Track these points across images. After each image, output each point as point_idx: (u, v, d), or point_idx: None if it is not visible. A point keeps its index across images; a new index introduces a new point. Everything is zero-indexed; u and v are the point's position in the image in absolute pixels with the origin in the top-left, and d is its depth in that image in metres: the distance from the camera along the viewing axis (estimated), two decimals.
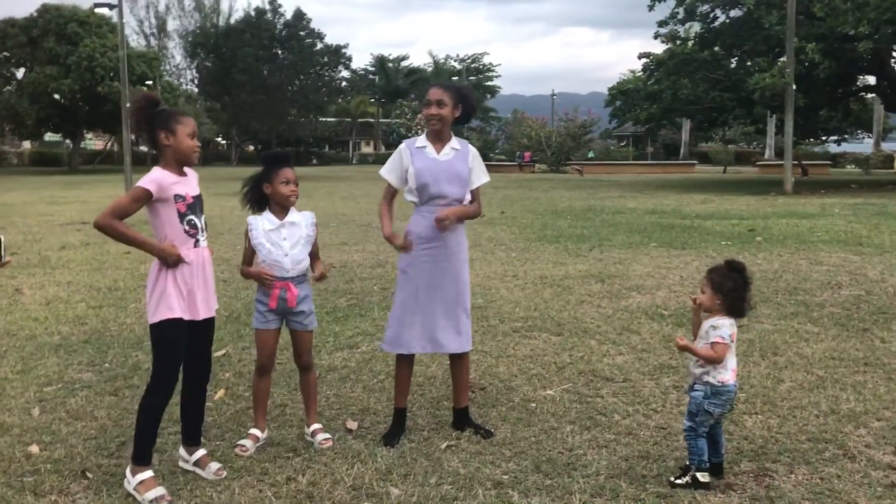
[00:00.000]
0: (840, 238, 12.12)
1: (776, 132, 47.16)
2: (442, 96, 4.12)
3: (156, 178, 3.44)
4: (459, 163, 4.19)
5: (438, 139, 4.21)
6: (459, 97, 4.18)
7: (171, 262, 3.47)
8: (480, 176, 4.29)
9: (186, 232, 3.51)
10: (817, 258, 10.06)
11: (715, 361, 3.50)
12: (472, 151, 4.28)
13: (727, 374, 3.53)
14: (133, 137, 27.37)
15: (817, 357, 5.55)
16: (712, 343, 3.50)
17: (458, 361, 4.32)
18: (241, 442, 4.04)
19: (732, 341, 3.53)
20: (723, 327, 3.51)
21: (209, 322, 3.67)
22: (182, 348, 3.55)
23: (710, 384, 3.53)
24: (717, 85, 28.54)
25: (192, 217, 3.53)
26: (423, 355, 5.54)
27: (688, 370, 3.69)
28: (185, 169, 3.62)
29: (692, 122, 45.52)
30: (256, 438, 4.08)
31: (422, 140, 4.23)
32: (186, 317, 3.49)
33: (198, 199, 3.60)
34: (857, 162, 48.75)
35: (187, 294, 3.50)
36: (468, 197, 4.23)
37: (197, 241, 3.56)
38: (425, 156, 4.17)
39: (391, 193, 4.29)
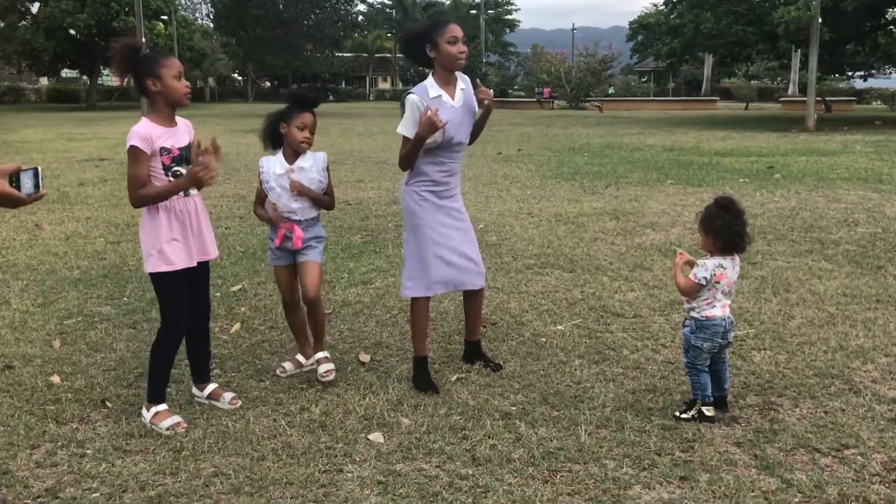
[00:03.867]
0: (860, 175, 11.98)
1: (800, 67, 46.16)
2: (462, 33, 3.92)
3: (139, 132, 3.37)
4: (470, 100, 4.06)
5: (448, 81, 3.97)
6: None
7: (204, 179, 3.39)
8: None
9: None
10: (835, 196, 9.97)
11: (681, 292, 3.64)
12: (467, 79, 4.12)
13: (713, 309, 3.55)
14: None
15: (829, 294, 5.56)
16: (686, 277, 3.58)
17: (474, 296, 4.32)
18: (283, 364, 4.24)
19: (717, 282, 3.52)
20: (703, 267, 3.53)
21: (205, 266, 3.70)
22: (183, 293, 3.58)
23: (696, 319, 3.57)
24: (740, 19, 27.82)
25: (177, 168, 3.47)
26: None
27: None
28: (178, 119, 3.56)
29: (714, 58, 44.52)
30: (299, 364, 4.24)
31: (434, 88, 3.94)
32: (181, 265, 3.51)
33: (185, 149, 3.52)
34: (883, 98, 47.70)
35: (182, 242, 3.51)
36: None
37: (186, 191, 3.53)
38: (445, 107, 3.90)
39: None
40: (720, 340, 3.58)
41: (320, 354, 4.11)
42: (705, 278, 3.51)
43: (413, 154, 3.92)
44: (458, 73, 4.04)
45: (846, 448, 3.32)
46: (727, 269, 3.54)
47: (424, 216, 4.00)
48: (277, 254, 4.06)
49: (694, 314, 3.58)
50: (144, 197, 3.41)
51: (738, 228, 3.52)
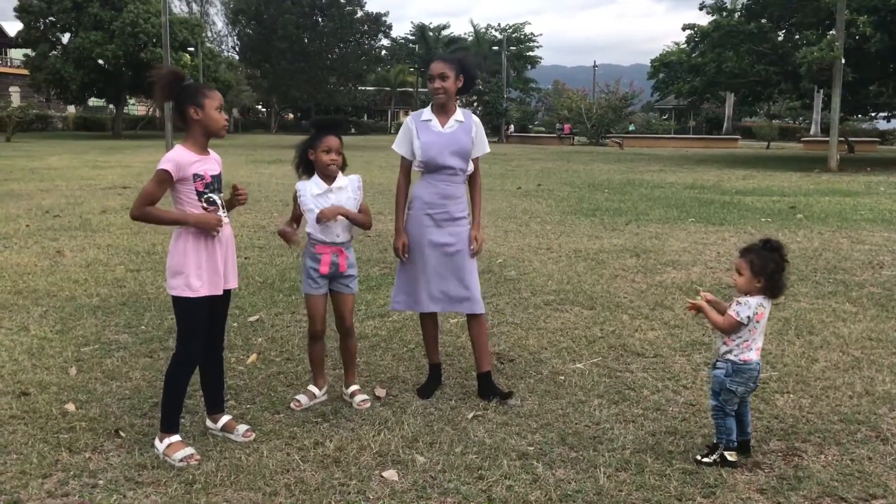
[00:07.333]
0: (884, 217, 11.86)
1: (823, 107, 46.03)
2: (443, 69, 4.18)
3: (173, 158, 3.45)
4: (463, 135, 4.27)
5: (443, 112, 4.28)
6: (460, 68, 4.25)
7: (211, 228, 3.51)
8: (482, 147, 4.37)
9: (205, 209, 3.53)
10: (859, 237, 9.86)
11: (720, 330, 3.52)
12: (476, 122, 4.37)
13: (750, 353, 3.47)
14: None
15: (854, 337, 5.46)
16: (726, 315, 3.48)
17: (474, 323, 4.38)
18: (298, 397, 4.21)
19: (758, 321, 3.46)
20: (746, 306, 3.45)
21: (226, 294, 3.71)
22: (204, 321, 3.59)
23: (732, 362, 3.48)
24: (762, 58, 27.87)
25: (210, 195, 3.54)
26: (454, 326, 5.58)
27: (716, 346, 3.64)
28: (210, 150, 3.63)
29: (736, 96, 44.59)
30: (313, 395, 4.24)
31: (427, 113, 4.31)
32: (206, 293, 3.53)
33: (216, 178, 3.59)
34: None
35: (208, 270, 3.53)
36: (470, 167, 4.33)
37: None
38: (430, 129, 4.26)
39: (406, 166, 4.37)
40: (752, 385, 3.51)
41: (354, 387, 4.30)
42: (748, 317, 3.44)
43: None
44: (464, 111, 4.36)
45: (874, 498, 3.22)
46: (766, 308, 3.48)
47: (415, 235, 4.29)
48: (319, 282, 4.10)
49: (731, 357, 3.49)
50: (148, 215, 3.49)
51: (783, 274, 3.48)
